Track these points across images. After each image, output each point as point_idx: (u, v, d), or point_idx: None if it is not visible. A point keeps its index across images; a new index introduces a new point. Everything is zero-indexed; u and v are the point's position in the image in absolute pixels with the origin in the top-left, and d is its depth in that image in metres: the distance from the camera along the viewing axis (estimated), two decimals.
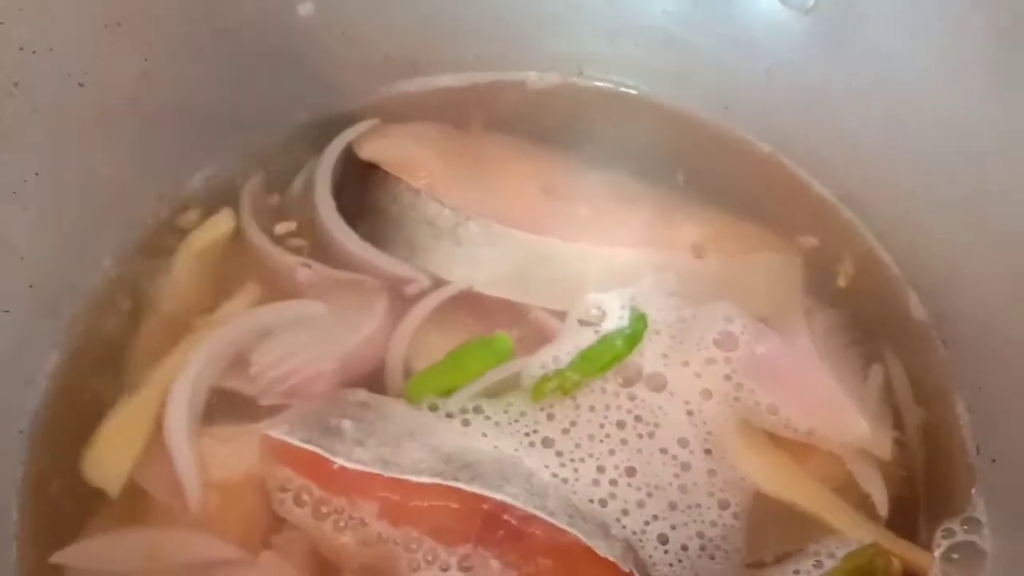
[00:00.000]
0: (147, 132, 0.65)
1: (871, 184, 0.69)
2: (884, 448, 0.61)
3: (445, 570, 0.53)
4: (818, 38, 0.67)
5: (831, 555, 0.56)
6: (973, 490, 0.60)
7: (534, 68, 0.76)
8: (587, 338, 0.63)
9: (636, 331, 0.62)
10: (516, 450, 0.58)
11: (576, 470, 0.58)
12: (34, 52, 0.57)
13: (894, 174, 0.68)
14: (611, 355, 0.61)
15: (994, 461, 0.61)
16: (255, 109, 0.70)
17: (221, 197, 0.69)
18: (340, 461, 0.55)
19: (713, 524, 0.57)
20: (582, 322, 0.63)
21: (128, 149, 0.65)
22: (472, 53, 0.75)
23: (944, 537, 0.58)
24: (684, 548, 0.56)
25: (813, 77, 0.69)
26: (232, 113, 0.69)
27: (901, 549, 0.57)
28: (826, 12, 0.66)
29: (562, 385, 0.60)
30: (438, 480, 0.54)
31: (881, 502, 0.59)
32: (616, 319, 0.63)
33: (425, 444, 0.57)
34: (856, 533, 0.57)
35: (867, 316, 0.66)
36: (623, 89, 0.76)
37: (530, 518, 0.54)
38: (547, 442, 0.59)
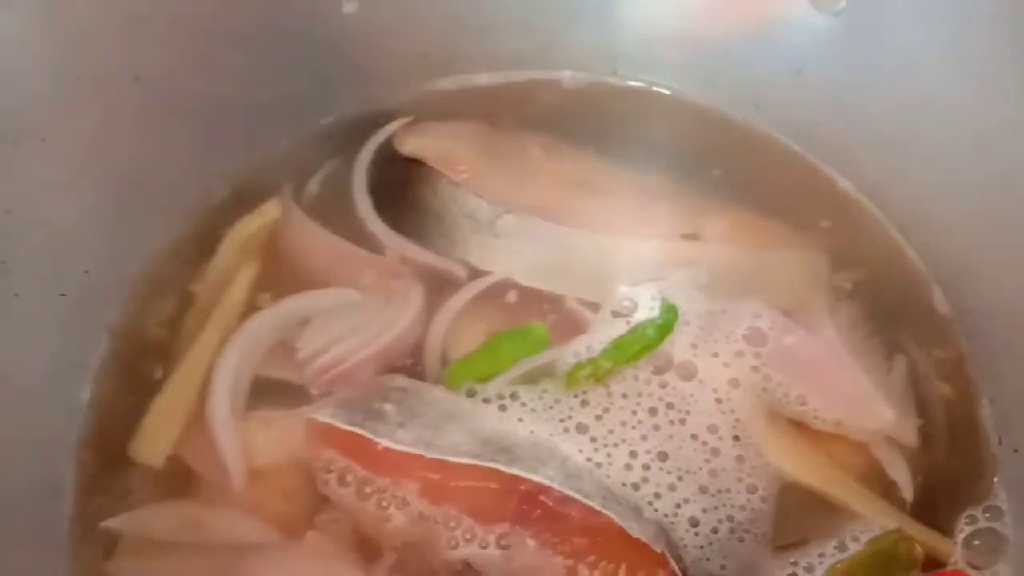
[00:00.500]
0: (195, 125, 0.67)
1: (897, 182, 0.70)
2: (909, 436, 0.62)
3: (484, 548, 0.55)
4: (848, 39, 0.68)
5: (855, 539, 0.58)
6: (996, 479, 0.61)
7: (568, 68, 0.77)
8: (619, 328, 0.64)
9: (667, 321, 0.64)
10: (551, 435, 0.60)
11: (609, 455, 0.60)
12: (91, 46, 0.59)
13: (920, 172, 0.69)
14: (643, 344, 0.63)
15: (1016, 451, 0.62)
16: (295, 104, 0.72)
17: (263, 188, 0.71)
18: (384, 442, 0.57)
19: (742, 508, 0.58)
20: (615, 313, 0.65)
21: (178, 141, 0.67)
22: (508, 52, 0.76)
23: (967, 524, 0.60)
24: (714, 531, 0.58)
25: (843, 78, 0.70)
26: (273, 107, 0.71)
27: (923, 535, 0.59)
28: (856, 14, 0.67)
29: (595, 373, 0.62)
30: (477, 462, 0.56)
31: (906, 487, 0.60)
32: (647, 310, 0.65)
33: (464, 428, 0.59)
34: (880, 519, 0.59)
35: (890, 309, 0.68)
36: (655, 89, 0.78)
37: (566, 499, 0.55)
38: (581, 428, 0.60)
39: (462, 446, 0.57)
